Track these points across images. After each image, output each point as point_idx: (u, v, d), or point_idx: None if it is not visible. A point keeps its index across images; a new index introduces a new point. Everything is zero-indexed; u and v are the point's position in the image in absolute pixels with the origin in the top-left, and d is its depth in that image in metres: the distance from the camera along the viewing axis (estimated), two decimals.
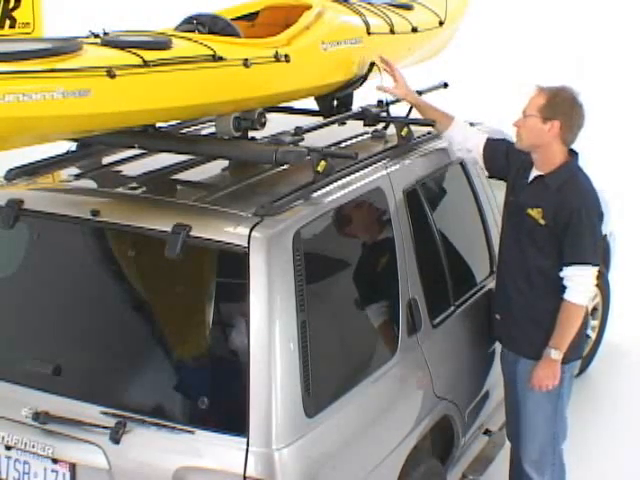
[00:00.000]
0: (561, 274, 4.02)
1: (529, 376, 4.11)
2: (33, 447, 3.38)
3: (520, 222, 4.14)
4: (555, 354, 4.02)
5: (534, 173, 4.14)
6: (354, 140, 4.55)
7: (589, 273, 4.01)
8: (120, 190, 3.75)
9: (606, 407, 5.70)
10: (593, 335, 5.96)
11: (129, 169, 4.07)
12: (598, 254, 4.08)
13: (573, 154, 4.14)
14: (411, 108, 4.64)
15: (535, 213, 4.06)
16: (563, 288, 4.02)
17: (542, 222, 4.05)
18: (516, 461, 4.40)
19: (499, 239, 4.43)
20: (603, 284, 5.85)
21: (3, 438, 3.42)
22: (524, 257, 4.14)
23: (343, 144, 4.45)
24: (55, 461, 3.39)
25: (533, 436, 4.24)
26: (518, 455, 4.35)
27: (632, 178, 9.68)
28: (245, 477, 3.14)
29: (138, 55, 3.25)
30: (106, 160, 4.18)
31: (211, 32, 3.89)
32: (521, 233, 4.15)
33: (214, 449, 3.20)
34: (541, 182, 4.10)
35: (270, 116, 4.04)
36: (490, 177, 4.62)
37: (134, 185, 3.84)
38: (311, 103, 4.58)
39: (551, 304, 4.06)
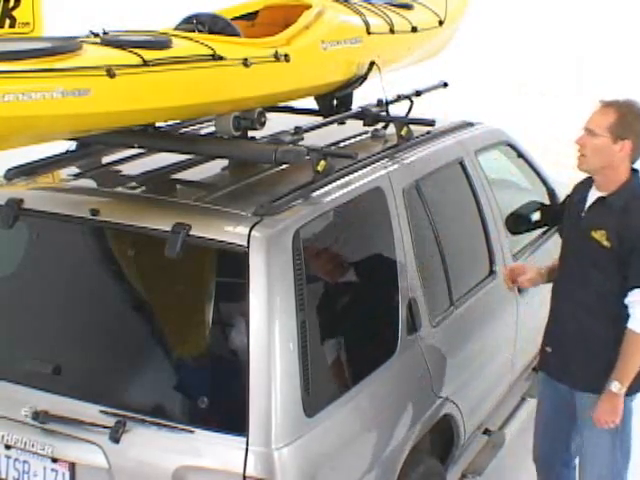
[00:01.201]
0: (625, 300, 3.77)
1: (588, 410, 3.89)
2: (33, 446, 3.38)
3: (582, 247, 3.90)
4: (617, 388, 3.76)
5: (594, 195, 3.91)
6: (354, 140, 4.55)
7: None
8: (120, 190, 3.75)
9: None
10: None
11: (129, 169, 4.07)
12: None
13: (634, 171, 3.90)
14: (411, 107, 4.64)
15: (599, 235, 3.81)
16: (627, 316, 3.77)
17: (606, 244, 3.80)
18: None
19: (557, 273, 4.13)
20: None
21: (3, 437, 3.42)
22: (585, 283, 3.88)
23: (343, 144, 4.45)
24: (55, 460, 3.39)
25: (591, 470, 4.02)
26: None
27: None
28: (245, 476, 3.14)
29: (138, 55, 3.25)
30: (106, 160, 4.18)
31: (211, 32, 3.89)
32: (583, 259, 3.90)
33: (214, 448, 3.20)
34: (603, 203, 3.86)
35: (270, 116, 4.04)
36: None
37: (134, 185, 3.84)
38: (311, 103, 4.58)
39: (612, 333, 3.83)
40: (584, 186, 3.99)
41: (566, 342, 4.00)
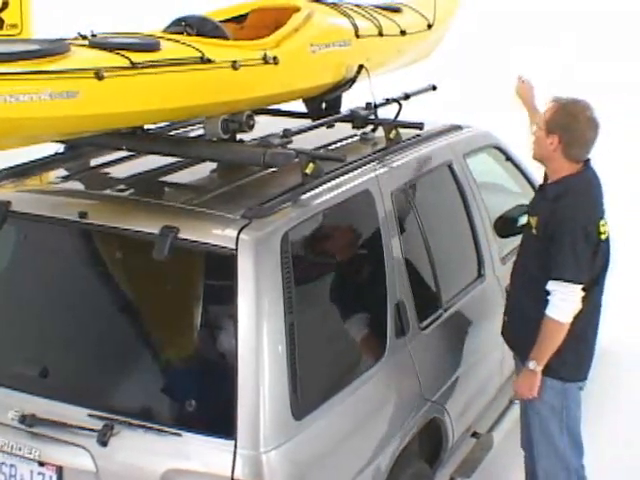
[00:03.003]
0: (547, 287, 3.93)
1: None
2: (20, 450, 3.37)
3: (525, 233, 4.20)
4: (533, 365, 3.96)
5: (543, 183, 4.18)
6: (342, 143, 4.55)
7: (571, 290, 3.88)
8: (108, 192, 3.75)
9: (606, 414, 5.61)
10: None
11: (117, 171, 4.06)
12: (582, 271, 3.90)
13: (586, 168, 4.04)
14: (399, 111, 4.64)
15: (533, 222, 4.05)
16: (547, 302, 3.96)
17: (534, 231, 4.04)
18: (530, 471, 4.32)
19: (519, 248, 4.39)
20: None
21: None
22: (523, 265, 4.16)
23: (331, 147, 4.45)
24: (42, 464, 3.37)
25: (539, 448, 4.16)
26: (531, 466, 4.28)
27: (626, 181, 9.67)
28: (233, 479, 3.13)
29: (126, 57, 3.24)
30: (94, 162, 4.17)
31: (200, 34, 3.89)
32: (523, 242, 4.21)
33: (202, 451, 3.19)
34: (542, 191, 4.12)
35: (259, 118, 4.04)
36: None
37: (122, 187, 3.83)
38: (300, 106, 4.58)
39: (543, 314, 3.97)
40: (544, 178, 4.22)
41: (512, 316, 4.26)
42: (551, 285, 3.91)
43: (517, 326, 4.21)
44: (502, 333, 4.38)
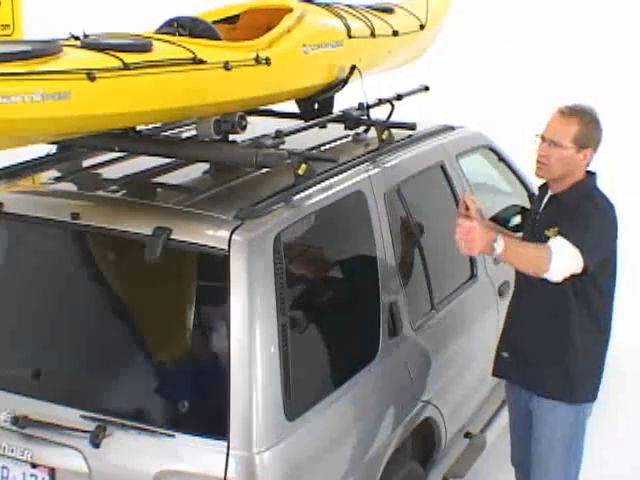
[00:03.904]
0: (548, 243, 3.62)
1: (542, 418, 3.91)
2: (12, 451, 3.36)
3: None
4: (498, 247, 3.47)
5: (549, 195, 3.90)
6: (335, 143, 4.55)
7: (571, 250, 3.56)
8: (100, 193, 3.74)
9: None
10: None
11: (109, 172, 4.06)
12: (589, 243, 3.60)
13: (590, 174, 3.86)
14: (392, 111, 4.65)
15: (551, 233, 3.71)
16: (583, 321, 3.75)
17: None
18: None
19: (515, 276, 4.07)
20: None
21: None
22: (543, 285, 3.70)
23: (324, 147, 4.45)
24: (34, 465, 3.36)
25: (545, 475, 3.99)
26: None
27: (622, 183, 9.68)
28: None
29: (118, 58, 3.24)
30: (86, 163, 4.17)
31: (192, 35, 3.88)
32: None
33: (195, 452, 3.19)
34: (556, 201, 3.84)
35: (251, 119, 4.04)
36: None
37: (114, 188, 3.83)
38: (292, 106, 4.58)
39: (570, 340, 3.80)
40: (542, 191, 3.98)
41: (524, 345, 3.94)
42: (558, 240, 3.59)
43: (535, 359, 3.92)
44: (497, 374, 4.18)
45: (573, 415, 3.91)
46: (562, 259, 3.57)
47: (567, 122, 3.74)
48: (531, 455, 4.03)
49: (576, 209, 3.72)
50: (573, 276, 3.66)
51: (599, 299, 3.85)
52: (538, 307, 3.89)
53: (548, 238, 3.69)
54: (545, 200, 3.91)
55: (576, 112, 3.76)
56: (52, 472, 3.36)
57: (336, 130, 4.58)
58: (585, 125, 3.73)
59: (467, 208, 3.70)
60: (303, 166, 3.64)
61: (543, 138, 3.76)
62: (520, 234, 4.30)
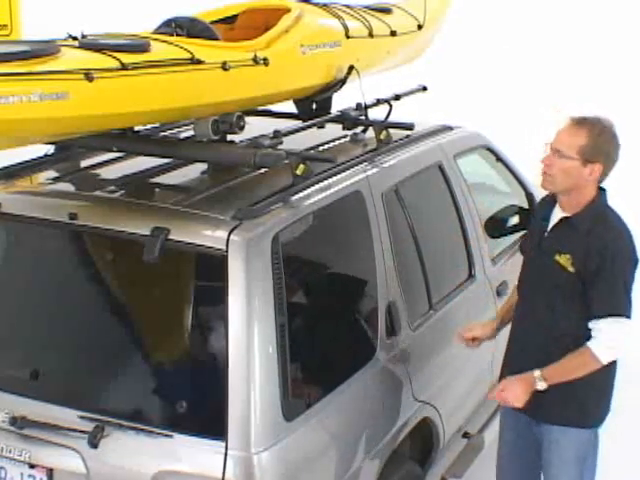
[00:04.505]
0: (590, 325, 3.53)
1: (554, 440, 3.74)
2: (10, 452, 3.36)
3: (545, 270, 3.66)
4: (540, 381, 3.53)
5: (558, 214, 3.69)
6: (333, 143, 4.55)
7: (621, 327, 3.48)
8: (98, 193, 3.74)
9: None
10: None
11: (107, 172, 4.06)
12: (630, 305, 3.53)
13: (601, 190, 3.68)
14: (390, 111, 4.65)
15: (564, 260, 3.57)
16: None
17: (571, 269, 3.56)
18: None
19: (518, 295, 3.91)
20: None
21: None
22: (552, 313, 3.62)
23: (322, 147, 4.45)
24: (32, 466, 3.36)
25: None
26: None
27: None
28: None
29: (116, 58, 3.24)
30: (84, 163, 4.17)
31: (190, 35, 3.88)
32: (547, 282, 3.67)
33: (193, 453, 3.19)
34: (568, 225, 3.64)
35: (249, 119, 4.04)
36: None
37: (112, 188, 3.82)
38: (290, 106, 4.58)
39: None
40: (548, 203, 3.81)
41: (528, 369, 3.64)
42: (598, 323, 3.50)
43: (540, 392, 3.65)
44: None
45: (586, 435, 3.77)
46: (613, 345, 3.52)
47: (575, 133, 3.56)
48: (544, 475, 3.87)
49: (589, 236, 3.56)
50: (581, 299, 3.58)
51: None
52: (544, 331, 3.70)
53: (558, 263, 3.60)
54: (555, 220, 3.72)
55: (587, 123, 3.58)
56: (50, 472, 3.35)
57: (334, 130, 4.59)
58: (594, 137, 3.53)
59: (473, 339, 3.94)
60: (301, 166, 3.64)
61: (552, 149, 3.61)
62: (519, 234, 4.30)
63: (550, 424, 3.77)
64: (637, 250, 3.64)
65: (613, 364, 3.72)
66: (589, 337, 3.56)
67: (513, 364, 3.84)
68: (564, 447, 3.77)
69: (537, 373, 3.54)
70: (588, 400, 3.72)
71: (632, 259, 3.60)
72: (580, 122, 3.59)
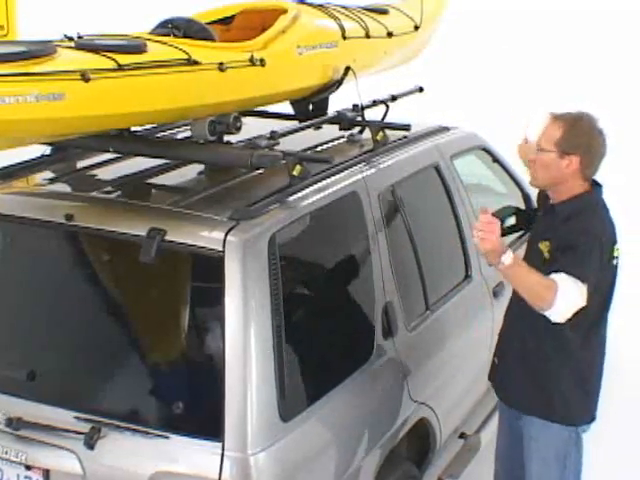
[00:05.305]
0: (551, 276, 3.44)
1: (534, 436, 3.78)
2: (6, 453, 3.35)
3: (531, 258, 3.67)
4: (506, 257, 3.38)
5: (549, 204, 3.77)
6: (329, 144, 4.55)
7: (577, 286, 3.39)
8: (94, 194, 3.74)
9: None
10: None
11: (104, 173, 4.06)
12: (590, 273, 3.45)
13: (596, 186, 3.70)
14: (386, 112, 4.65)
15: (543, 247, 3.62)
16: (571, 346, 3.60)
17: (546, 256, 3.59)
18: None
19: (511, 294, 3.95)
20: None
21: None
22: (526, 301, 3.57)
23: (318, 148, 4.45)
24: (29, 467, 3.36)
25: None
26: None
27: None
28: None
29: (112, 59, 3.24)
30: (81, 164, 4.16)
31: (186, 36, 3.88)
32: None
33: (189, 454, 3.19)
34: (552, 212, 3.71)
35: (246, 120, 4.04)
36: None
37: (109, 189, 3.83)
38: (287, 107, 4.58)
39: (554, 354, 3.66)
40: (546, 196, 3.86)
41: (509, 359, 3.83)
42: (557, 275, 3.40)
43: (515, 370, 3.83)
44: (490, 377, 4.10)
45: (567, 433, 3.78)
46: (567, 298, 3.40)
47: (551, 126, 3.62)
48: (525, 472, 3.90)
49: (565, 223, 3.58)
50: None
51: (593, 316, 3.64)
52: (522, 317, 3.71)
53: (539, 250, 3.62)
54: (543, 211, 3.83)
55: (564, 116, 3.64)
56: (46, 474, 3.35)
57: (331, 131, 4.59)
58: (569, 129, 3.58)
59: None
60: (298, 167, 3.64)
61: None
62: (515, 235, 4.30)
63: (532, 416, 3.78)
64: (614, 242, 3.61)
65: (598, 359, 3.76)
66: (561, 328, 3.52)
67: (499, 351, 3.99)
68: (544, 444, 3.80)
69: (512, 253, 3.43)
70: (572, 396, 3.74)
71: (602, 242, 3.54)
72: (558, 116, 3.65)
